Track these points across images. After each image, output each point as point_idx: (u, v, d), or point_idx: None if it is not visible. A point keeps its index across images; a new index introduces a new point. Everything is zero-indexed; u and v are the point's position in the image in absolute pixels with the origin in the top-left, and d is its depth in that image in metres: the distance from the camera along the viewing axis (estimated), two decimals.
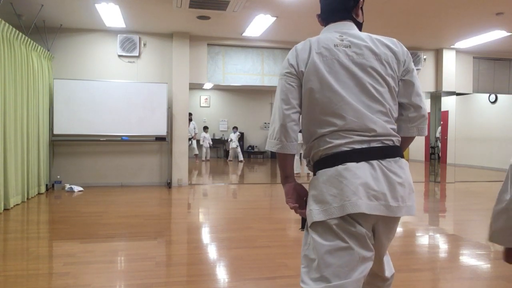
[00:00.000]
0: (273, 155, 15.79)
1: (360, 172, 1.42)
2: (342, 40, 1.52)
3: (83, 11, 6.68)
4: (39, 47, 6.77)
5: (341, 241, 1.41)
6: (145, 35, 8.01)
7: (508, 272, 3.28)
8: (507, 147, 11.71)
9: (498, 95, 11.89)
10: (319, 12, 1.68)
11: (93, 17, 6.98)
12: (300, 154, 8.96)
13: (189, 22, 7.27)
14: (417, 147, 14.30)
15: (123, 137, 7.77)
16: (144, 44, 8.02)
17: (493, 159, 12.05)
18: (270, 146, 1.55)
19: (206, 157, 14.71)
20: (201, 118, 15.81)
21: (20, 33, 5.90)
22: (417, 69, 9.01)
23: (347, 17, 1.60)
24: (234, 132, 14.75)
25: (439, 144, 12.37)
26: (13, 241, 4.04)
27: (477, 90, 9.84)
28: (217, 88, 15.81)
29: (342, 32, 1.56)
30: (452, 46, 9.15)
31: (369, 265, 1.46)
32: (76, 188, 7.24)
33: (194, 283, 2.98)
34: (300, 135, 1.59)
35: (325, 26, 1.64)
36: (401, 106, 1.58)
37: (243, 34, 7.98)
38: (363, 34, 1.56)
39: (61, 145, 7.70)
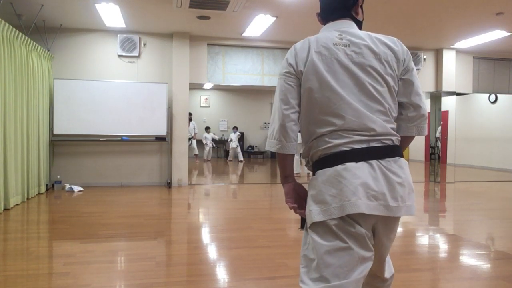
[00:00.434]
0: (273, 155, 15.80)
1: (359, 172, 1.41)
2: (341, 39, 1.52)
3: (83, 11, 6.69)
4: (39, 47, 6.77)
5: (341, 242, 1.41)
6: (145, 35, 8.01)
7: (508, 272, 3.28)
8: (507, 147, 11.71)
9: (498, 95, 11.90)
10: (319, 11, 1.67)
11: (93, 17, 6.98)
12: (300, 154, 8.96)
13: (189, 22, 7.28)
14: (417, 147, 14.30)
15: (123, 137, 7.78)
16: (144, 44, 8.02)
17: (493, 159, 12.05)
18: (270, 146, 1.55)
19: (207, 157, 14.72)
20: (201, 118, 15.81)
21: (20, 33, 5.91)
22: (417, 69, 9.02)
23: (346, 15, 1.59)
24: (234, 132, 14.76)
25: (439, 144, 12.37)
26: (13, 241, 4.04)
27: (477, 90, 9.84)
28: (217, 88, 15.81)
29: (341, 30, 1.55)
30: (452, 46, 9.16)
31: (368, 265, 1.45)
32: (76, 188, 7.24)
33: (194, 283, 2.98)
34: (299, 135, 1.59)
35: (324, 24, 1.63)
36: (400, 105, 1.57)
37: (243, 34, 7.98)
38: (362, 33, 1.55)
39: (61, 145, 7.70)
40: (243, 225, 4.85)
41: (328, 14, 1.62)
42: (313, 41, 1.53)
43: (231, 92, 16.27)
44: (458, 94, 9.87)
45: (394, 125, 1.54)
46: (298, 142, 1.61)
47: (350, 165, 1.42)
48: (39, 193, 6.80)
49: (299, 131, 1.58)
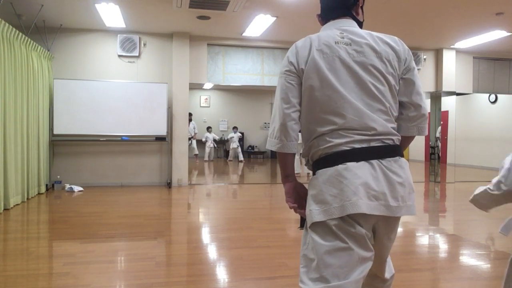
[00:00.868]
0: (273, 155, 15.79)
1: (360, 172, 1.41)
2: (343, 38, 1.51)
3: (83, 11, 6.68)
4: (39, 47, 6.77)
5: (341, 242, 1.41)
6: (145, 35, 8.01)
7: None
8: (507, 147, 11.69)
9: (498, 95, 11.89)
10: (319, 12, 1.66)
11: (93, 17, 6.98)
12: (300, 153, 8.95)
13: (189, 22, 7.27)
14: (417, 147, 14.30)
15: (123, 137, 7.78)
16: (144, 44, 8.02)
17: (493, 159, 12.03)
18: (271, 145, 1.54)
19: (209, 158, 14.71)
20: (201, 118, 15.81)
21: (20, 33, 5.90)
22: (417, 69, 9.00)
23: (347, 14, 1.59)
24: (235, 132, 14.76)
25: (439, 144, 12.36)
26: (13, 241, 4.04)
27: (477, 90, 9.84)
28: (217, 88, 15.81)
29: (343, 29, 1.54)
30: (452, 46, 9.16)
31: (368, 265, 1.45)
32: (76, 188, 7.24)
33: (194, 283, 2.98)
34: (299, 135, 1.58)
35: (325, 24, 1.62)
36: (401, 105, 1.57)
37: (243, 34, 7.98)
38: (363, 32, 1.54)
39: (61, 145, 7.70)
40: (243, 225, 4.84)
41: (328, 14, 1.61)
42: (314, 39, 1.51)
43: (231, 92, 16.26)
44: (458, 94, 9.87)
45: (395, 125, 1.53)
46: (299, 142, 1.61)
47: (351, 164, 1.42)
48: (39, 193, 6.80)
49: (300, 131, 1.57)
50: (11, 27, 5.54)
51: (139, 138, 7.91)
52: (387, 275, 1.67)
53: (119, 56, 7.91)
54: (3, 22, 5.29)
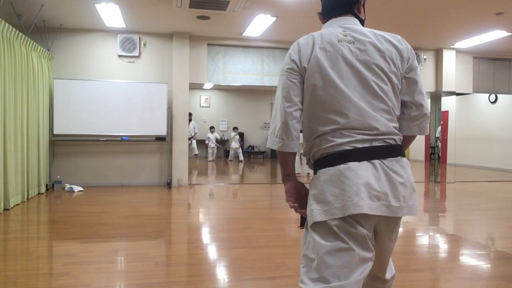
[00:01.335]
0: (273, 155, 15.80)
1: (362, 172, 1.40)
2: (346, 36, 1.49)
3: (83, 11, 6.68)
4: (39, 47, 6.77)
5: (341, 242, 1.40)
6: (145, 35, 8.01)
7: (508, 272, 3.28)
8: (507, 147, 11.71)
9: (498, 95, 11.89)
10: (320, 10, 1.65)
11: (93, 17, 6.98)
12: (301, 153, 8.96)
13: (189, 22, 7.27)
14: (417, 147, 14.30)
15: (123, 137, 7.77)
16: (144, 44, 8.02)
17: (493, 159, 12.05)
18: (271, 144, 1.52)
19: (212, 158, 14.70)
20: (201, 118, 15.81)
21: (20, 33, 5.90)
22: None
23: (349, 12, 1.57)
24: (236, 133, 14.76)
25: (439, 144, 12.36)
26: (13, 241, 4.04)
27: (477, 90, 9.84)
28: (217, 88, 15.81)
29: (345, 27, 1.53)
30: (452, 46, 9.15)
31: (369, 266, 1.44)
32: (76, 188, 7.23)
33: (194, 283, 2.98)
34: (301, 135, 1.57)
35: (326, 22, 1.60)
36: (403, 104, 1.56)
37: (243, 34, 7.98)
38: (366, 30, 1.53)
39: (61, 145, 7.69)
40: (243, 225, 4.84)
41: (330, 11, 1.59)
42: (317, 36, 1.49)
43: (231, 92, 16.26)
44: (458, 94, 9.87)
45: (397, 124, 1.52)
46: (300, 142, 1.59)
47: (353, 164, 1.41)
48: (39, 193, 6.80)
49: (301, 130, 1.56)
50: (11, 27, 5.54)
51: (139, 138, 7.91)
52: (388, 275, 1.66)
53: (119, 56, 7.91)
54: (3, 22, 5.29)
